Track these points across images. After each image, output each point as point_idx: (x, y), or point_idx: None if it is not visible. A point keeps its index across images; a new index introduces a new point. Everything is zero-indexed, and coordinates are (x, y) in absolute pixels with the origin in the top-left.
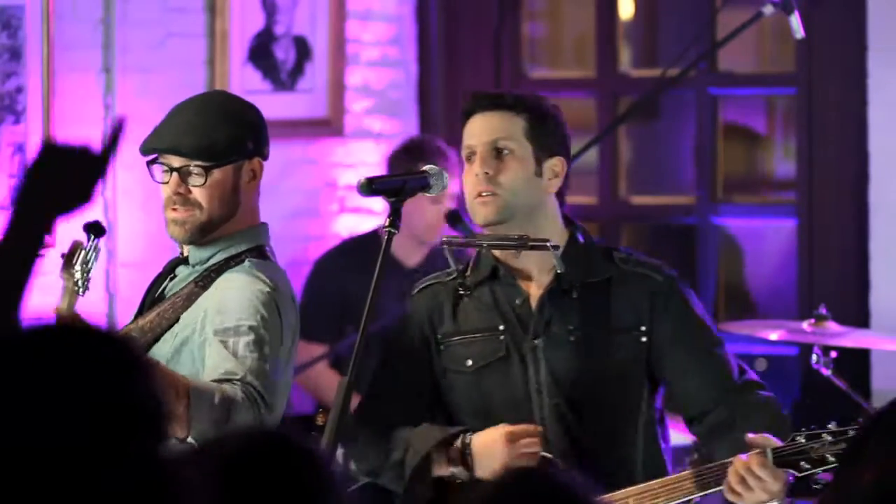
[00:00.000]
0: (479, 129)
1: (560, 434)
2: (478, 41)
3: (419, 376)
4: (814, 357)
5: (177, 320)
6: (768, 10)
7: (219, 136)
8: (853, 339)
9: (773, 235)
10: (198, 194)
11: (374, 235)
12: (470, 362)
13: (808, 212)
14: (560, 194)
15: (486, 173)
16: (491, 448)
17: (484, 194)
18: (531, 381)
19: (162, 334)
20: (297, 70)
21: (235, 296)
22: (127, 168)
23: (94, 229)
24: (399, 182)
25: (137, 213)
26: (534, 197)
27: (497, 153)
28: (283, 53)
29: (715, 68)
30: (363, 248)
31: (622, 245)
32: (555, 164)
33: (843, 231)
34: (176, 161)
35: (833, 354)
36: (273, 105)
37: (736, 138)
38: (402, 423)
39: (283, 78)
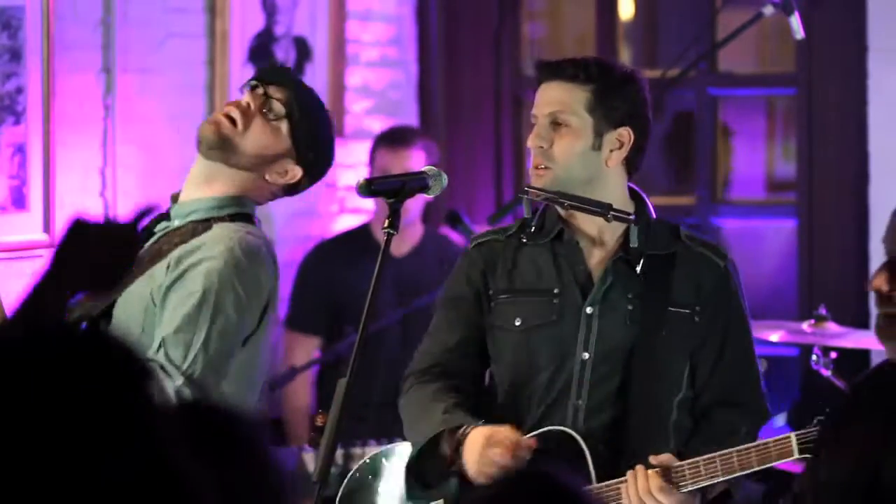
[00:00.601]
0: (541, 100)
1: (602, 400)
2: (478, 41)
3: (474, 329)
4: (814, 358)
5: (142, 274)
6: (768, 10)
7: (310, 118)
8: (853, 339)
9: (774, 236)
10: (257, 122)
11: (363, 229)
12: (519, 321)
13: (809, 212)
14: (630, 163)
15: (541, 147)
16: (473, 448)
17: (539, 167)
18: (580, 345)
19: (125, 287)
20: (297, 70)
21: (211, 256)
22: (127, 169)
23: None
24: (398, 183)
25: None
26: (589, 170)
27: (554, 126)
28: (284, 54)
29: (715, 69)
30: (353, 241)
31: None
32: (620, 134)
33: (844, 231)
34: (279, 93)
35: (833, 355)
36: None
37: (736, 138)
38: (459, 377)
39: None
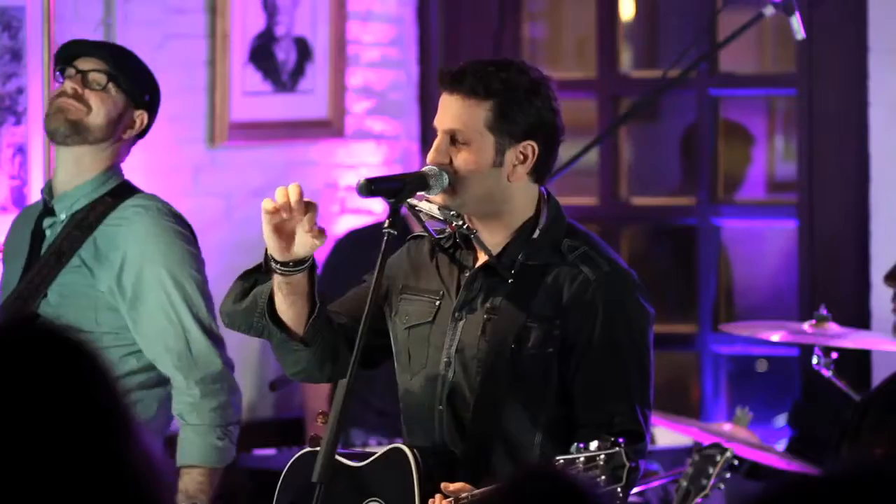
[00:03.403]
0: (442, 112)
1: (459, 411)
2: (478, 42)
3: (376, 310)
4: (814, 358)
5: (63, 266)
6: (769, 11)
7: (128, 64)
8: (854, 340)
9: (774, 236)
10: (91, 97)
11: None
12: (406, 318)
13: (809, 213)
14: (536, 173)
15: (441, 163)
16: None
17: None
18: (445, 349)
19: (48, 285)
20: (298, 71)
21: (159, 251)
22: (127, 169)
23: None
24: (398, 183)
25: None
26: (489, 187)
27: (453, 142)
28: (284, 54)
29: (716, 69)
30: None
31: (622, 246)
32: (523, 148)
33: (844, 232)
34: (89, 64)
35: (834, 355)
36: (274, 106)
37: (736, 139)
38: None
39: (283, 79)
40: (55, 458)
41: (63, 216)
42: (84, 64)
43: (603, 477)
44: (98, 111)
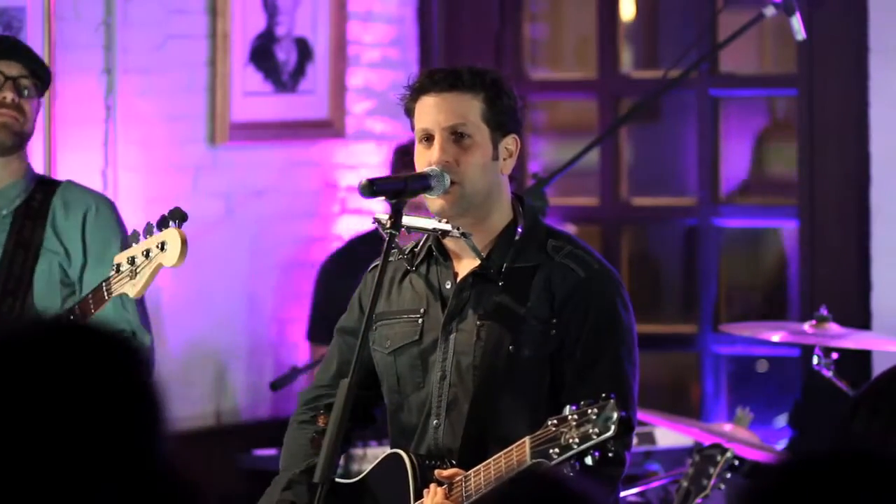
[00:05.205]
0: (437, 112)
1: (458, 419)
2: (479, 43)
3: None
4: (815, 358)
5: (38, 256)
6: (769, 11)
7: (39, 61)
8: (854, 340)
9: (774, 236)
10: (25, 104)
11: (375, 233)
12: (388, 343)
13: (810, 213)
14: (512, 172)
15: (447, 162)
16: None
17: None
18: (438, 363)
19: (31, 276)
20: (299, 71)
21: (103, 235)
22: (128, 169)
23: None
24: (400, 183)
25: (140, 213)
26: (491, 183)
27: (456, 139)
28: (285, 55)
29: (716, 70)
30: (371, 244)
31: (622, 246)
32: (508, 142)
33: (845, 232)
34: (14, 69)
35: (834, 356)
36: (274, 106)
37: (737, 139)
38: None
39: (284, 79)
40: (81, 448)
41: (5, 212)
42: (10, 69)
43: (595, 429)
44: (31, 118)
